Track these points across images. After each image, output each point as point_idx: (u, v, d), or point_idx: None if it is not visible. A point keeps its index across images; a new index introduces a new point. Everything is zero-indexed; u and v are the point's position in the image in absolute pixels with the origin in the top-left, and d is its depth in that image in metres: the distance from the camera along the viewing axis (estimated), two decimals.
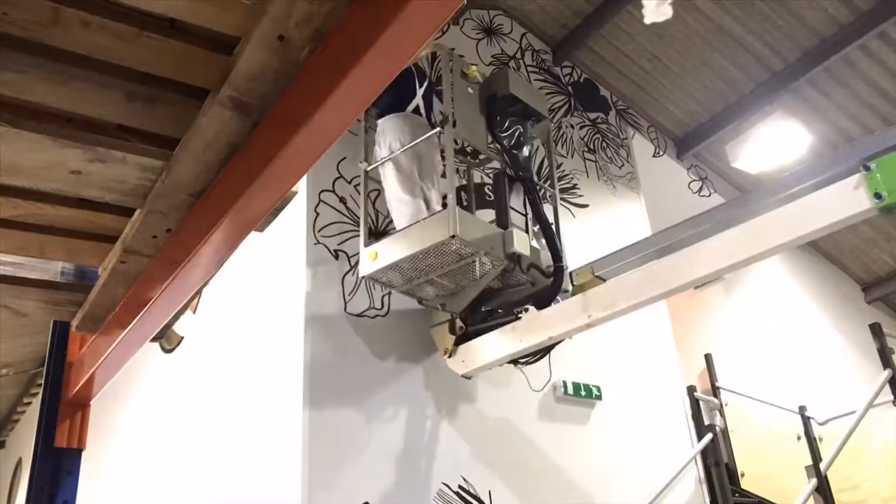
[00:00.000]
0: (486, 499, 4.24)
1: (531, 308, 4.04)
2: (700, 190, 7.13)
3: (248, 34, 1.67)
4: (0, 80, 1.76)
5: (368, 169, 4.25)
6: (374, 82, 1.69)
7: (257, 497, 4.01)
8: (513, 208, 4.16)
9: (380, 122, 4.26)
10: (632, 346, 5.35)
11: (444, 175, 4.06)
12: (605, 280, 3.86)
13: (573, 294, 3.89)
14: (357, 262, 4.27)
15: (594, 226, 5.91)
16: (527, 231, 4.14)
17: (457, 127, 3.99)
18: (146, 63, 1.85)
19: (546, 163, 5.08)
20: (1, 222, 2.33)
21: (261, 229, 2.32)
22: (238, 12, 1.69)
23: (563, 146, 6.13)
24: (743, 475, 5.42)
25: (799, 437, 5.37)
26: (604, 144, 6.46)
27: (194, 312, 5.16)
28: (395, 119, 4.22)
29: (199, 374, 5.10)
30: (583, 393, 4.98)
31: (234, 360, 4.71)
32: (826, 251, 7.81)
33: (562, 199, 5.84)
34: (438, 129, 4.07)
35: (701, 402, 5.66)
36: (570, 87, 6.53)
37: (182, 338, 5.37)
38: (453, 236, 3.63)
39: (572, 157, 6.14)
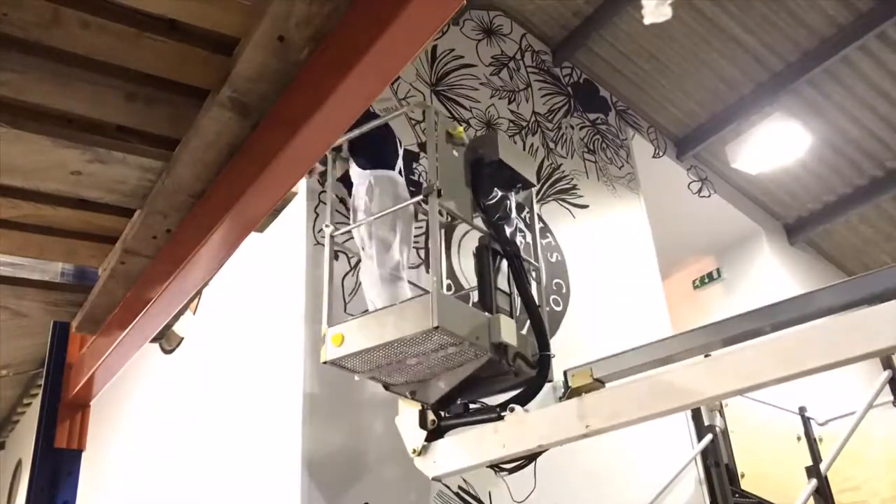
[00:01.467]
0: (485, 499, 4.24)
1: (517, 408, 3.45)
2: (700, 191, 7.13)
3: (248, 35, 1.67)
4: (0, 80, 1.76)
5: (335, 233, 3.84)
6: (374, 83, 1.69)
7: (257, 498, 4.01)
8: (500, 289, 3.77)
9: (371, 176, 3.87)
10: (631, 346, 5.34)
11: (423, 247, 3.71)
12: (604, 384, 3.51)
13: (568, 397, 3.50)
14: (357, 263, 4.27)
15: (594, 227, 5.91)
16: (511, 314, 3.72)
17: (442, 196, 3.55)
18: (146, 64, 1.85)
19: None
20: (1, 223, 2.33)
21: (261, 230, 2.32)
22: (238, 13, 1.69)
23: (562, 147, 6.13)
24: (743, 476, 5.41)
25: (799, 438, 5.36)
26: (604, 145, 6.46)
27: (194, 313, 5.16)
28: (387, 178, 3.87)
29: (199, 375, 5.10)
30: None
31: (234, 360, 4.70)
32: (826, 251, 7.81)
33: (562, 199, 5.85)
34: (421, 197, 3.64)
35: None
36: (569, 88, 6.54)
37: (182, 338, 5.36)
38: (437, 327, 3.17)
39: (572, 157, 6.15)
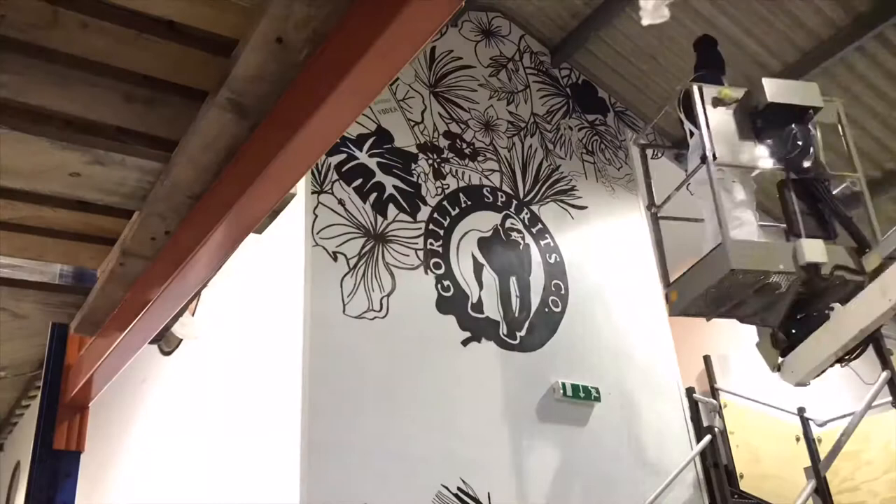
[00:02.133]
0: (484, 500, 4.24)
1: (836, 305, 3.98)
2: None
3: (247, 36, 1.67)
4: None
5: (658, 209, 4.68)
6: (373, 84, 1.69)
7: (257, 498, 4.01)
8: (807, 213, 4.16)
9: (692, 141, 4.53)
10: (630, 348, 5.35)
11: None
12: (895, 259, 3.77)
13: (869, 281, 3.81)
14: (356, 264, 4.28)
15: (593, 227, 5.92)
16: (826, 230, 4.10)
17: (718, 158, 4.11)
18: (145, 65, 1.85)
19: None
20: (0, 224, 2.33)
21: (259, 231, 2.32)
22: (236, 14, 1.69)
23: (561, 148, 6.14)
24: (742, 476, 5.41)
25: (798, 439, 5.37)
26: (602, 146, 6.47)
27: (193, 314, 5.15)
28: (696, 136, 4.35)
29: (199, 376, 5.10)
30: (581, 395, 4.98)
31: (233, 361, 4.70)
32: None
33: (560, 200, 5.86)
34: (701, 164, 4.18)
35: (700, 404, 5.65)
36: (568, 89, 6.54)
37: (181, 340, 5.36)
38: (733, 270, 3.74)
39: (570, 158, 6.15)
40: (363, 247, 4.55)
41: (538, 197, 5.70)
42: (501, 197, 5.48)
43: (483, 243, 5.15)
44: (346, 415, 4.00)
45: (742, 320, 4.35)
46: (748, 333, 6.96)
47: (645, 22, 4.31)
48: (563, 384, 4.91)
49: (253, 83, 1.75)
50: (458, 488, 4.17)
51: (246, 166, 1.92)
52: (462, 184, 5.30)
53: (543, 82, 6.38)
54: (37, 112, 1.90)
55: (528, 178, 5.73)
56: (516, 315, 5.02)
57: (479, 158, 5.54)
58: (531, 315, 5.10)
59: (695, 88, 4.35)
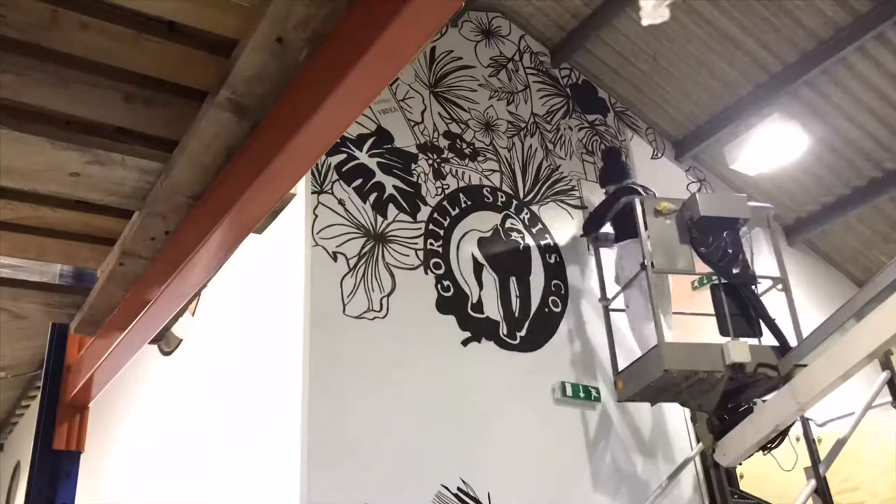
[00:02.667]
0: (484, 500, 4.24)
1: (758, 401, 4.47)
2: (698, 192, 7.13)
3: (247, 36, 1.67)
4: None
5: (609, 303, 5.20)
6: (373, 84, 1.69)
7: (257, 499, 4.01)
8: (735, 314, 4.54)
9: (618, 246, 5.19)
10: (630, 348, 5.35)
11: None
12: (806, 365, 4.14)
13: (782, 384, 4.22)
14: (356, 264, 4.28)
15: None
16: (753, 332, 4.49)
17: (656, 266, 4.59)
18: (145, 65, 1.85)
19: None
20: (0, 224, 2.32)
21: (259, 231, 2.32)
22: (236, 15, 1.69)
23: (561, 148, 6.14)
24: (742, 476, 5.41)
25: (798, 439, 5.36)
26: (602, 146, 6.46)
27: (193, 314, 5.16)
28: (632, 244, 4.93)
29: (199, 376, 5.10)
30: (581, 395, 4.98)
31: (233, 361, 4.70)
32: (825, 253, 7.81)
33: (560, 200, 5.86)
34: (640, 271, 4.64)
35: None
36: (568, 90, 6.54)
37: (181, 340, 5.36)
38: (666, 370, 4.23)
39: (571, 159, 6.15)
40: (363, 247, 4.55)
41: (538, 197, 5.70)
42: (501, 197, 5.48)
43: (483, 243, 5.15)
44: (346, 415, 4.00)
45: (683, 405, 4.87)
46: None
47: (645, 22, 4.32)
48: (563, 384, 4.92)
49: (253, 83, 1.74)
50: (458, 488, 4.17)
51: (246, 166, 1.92)
52: (462, 184, 5.31)
53: (543, 82, 6.38)
54: (37, 112, 1.89)
55: (528, 178, 5.73)
56: (516, 315, 5.02)
57: (479, 158, 5.54)
58: (531, 315, 5.10)
59: (636, 202, 4.78)
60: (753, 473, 5.41)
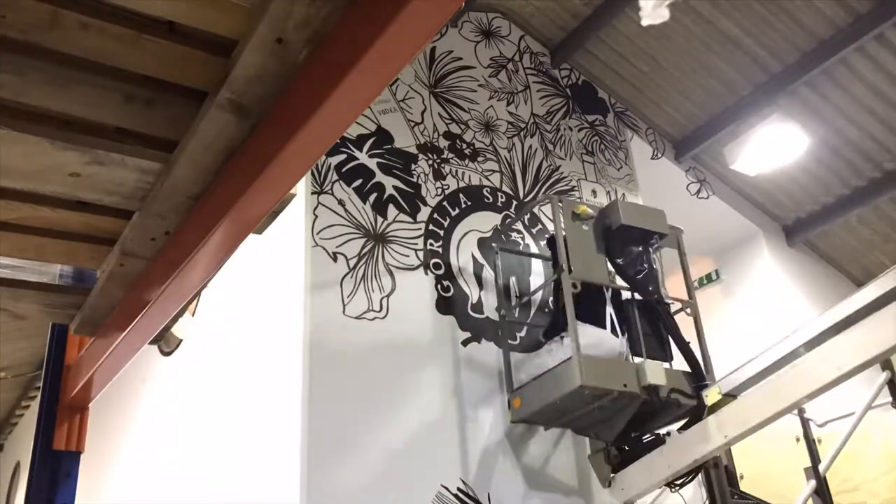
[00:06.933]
0: (484, 500, 4.24)
1: (673, 432, 4.14)
2: (698, 192, 7.13)
3: (247, 37, 1.67)
4: None
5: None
6: (373, 85, 1.69)
7: (258, 498, 4.01)
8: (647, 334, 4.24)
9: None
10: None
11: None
12: (735, 397, 3.88)
13: (707, 414, 3.92)
14: (356, 264, 4.28)
15: None
16: (665, 351, 4.23)
17: (573, 272, 4.20)
18: (145, 66, 1.85)
19: None
20: (0, 224, 2.32)
21: (259, 231, 2.32)
22: (236, 15, 1.69)
23: (561, 148, 6.14)
24: (742, 477, 5.41)
25: (798, 439, 5.36)
26: (602, 147, 6.47)
27: (193, 315, 5.16)
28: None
29: (199, 376, 5.10)
30: None
31: (233, 361, 4.71)
32: (824, 253, 7.81)
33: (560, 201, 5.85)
34: (554, 276, 4.30)
35: None
36: (568, 90, 6.54)
37: (181, 340, 5.36)
38: (582, 386, 3.81)
39: (570, 159, 6.15)
40: (363, 247, 4.56)
41: (538, 197, 5.70)
42: (501, 197, 5.48)
43: (483, 243, 5.15)
44: (345, 415, 4.00)
45: (578, 432, 4.49)
46: (747, 335, 6.98)
47: (645, 22, 4.31)
48: None
49: (253, 83, 1.75)
50: (458, 488, 4.17)
51: (246, 166, 1.92)
52: (462, 184, 5.31)
53: (543, 83, 6.38)
54: (37, 112, 1.89)
55: (528, 178, 5.73)
56: (516, 315, 5.02)
57: (479, 159, 5.54)
58: (531, 316, 5.10)
59: (556, 201, 4.52)
60: (754, 473, 5.41)
